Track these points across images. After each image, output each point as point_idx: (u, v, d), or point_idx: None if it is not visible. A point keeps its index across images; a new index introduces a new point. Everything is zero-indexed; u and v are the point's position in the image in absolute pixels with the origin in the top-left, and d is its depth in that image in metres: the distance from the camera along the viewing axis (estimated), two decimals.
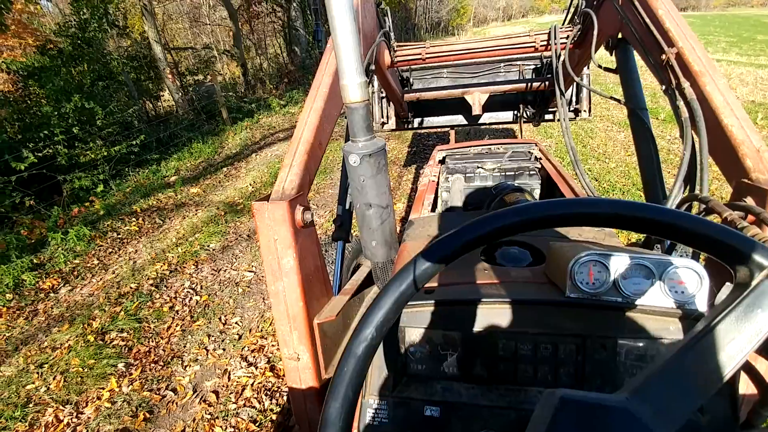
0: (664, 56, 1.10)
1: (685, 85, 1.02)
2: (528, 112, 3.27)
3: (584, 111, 3.00)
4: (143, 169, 6.56)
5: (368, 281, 1.31)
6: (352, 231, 1.37)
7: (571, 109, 3.01)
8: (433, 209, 2.10)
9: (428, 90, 3.08)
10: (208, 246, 4.20)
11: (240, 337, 2.84)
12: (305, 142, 1.08)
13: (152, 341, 2.89)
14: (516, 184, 2.08)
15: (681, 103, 1.03)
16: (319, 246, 1.07)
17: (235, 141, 8.21)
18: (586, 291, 0.74)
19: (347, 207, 1.36)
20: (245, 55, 11.51)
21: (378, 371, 0.78)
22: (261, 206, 0.93)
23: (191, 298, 3.35)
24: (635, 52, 1.51)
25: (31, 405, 2.43)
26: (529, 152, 2.45)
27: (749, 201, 0.81)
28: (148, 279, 3.67)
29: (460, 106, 3.20)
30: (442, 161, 2.50)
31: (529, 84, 2.80)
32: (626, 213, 0.46)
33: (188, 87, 9.49)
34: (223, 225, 4.65)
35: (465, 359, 0.77)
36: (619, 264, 0.73)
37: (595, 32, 1.61)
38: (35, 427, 2.30)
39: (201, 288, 3.49)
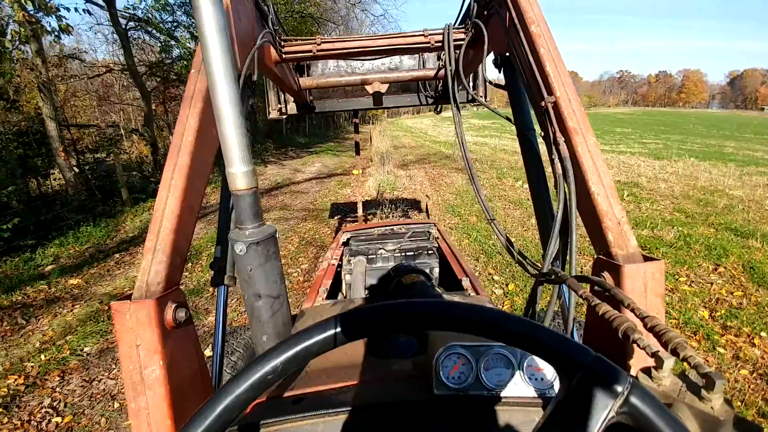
0: (543, 103, 1.03)
1: (561, 140, 0.98)
2: (429, 99, 3.24)
3: (481, 96, 2.95)
4: (13, 258, 5.74)
5: None
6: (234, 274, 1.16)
7: (469, 98, 2.95)
8: (333, 293, 2.05)
9: (327, 76, 2.86)
10: (81, 350, 3.70)
11: None
12: (170, 215, 0.89)
13: None
14: (414, 265, 2.14)
15: (556, 157, 0.98)
16: (198, 347, 0.91)
17: (135, 223, 7.66)
18: (451, 387, 0.73)
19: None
20: (157, 134, 11.26)
21: None
22: (122, 306, 0.78)
23: (50, 421, 2.86)
24: None
25: None
26: (428, 232, 2.60)
27: (606, 276, 0.82)
28: None
29: (361, 91, 3.11)
30: (346, 243, 2.56)
31: (428, 73, 2.72)
32: (442, 313, 0.43)
33: (85, 165, 8.87)
34: (104, 322, 4.14)
35: None
36: (480, 355, 0.73)
37: (485, 45, 1.51)
38: None
39: (65, 406, 3.01)
